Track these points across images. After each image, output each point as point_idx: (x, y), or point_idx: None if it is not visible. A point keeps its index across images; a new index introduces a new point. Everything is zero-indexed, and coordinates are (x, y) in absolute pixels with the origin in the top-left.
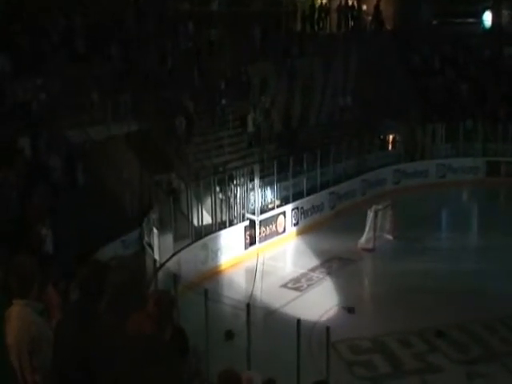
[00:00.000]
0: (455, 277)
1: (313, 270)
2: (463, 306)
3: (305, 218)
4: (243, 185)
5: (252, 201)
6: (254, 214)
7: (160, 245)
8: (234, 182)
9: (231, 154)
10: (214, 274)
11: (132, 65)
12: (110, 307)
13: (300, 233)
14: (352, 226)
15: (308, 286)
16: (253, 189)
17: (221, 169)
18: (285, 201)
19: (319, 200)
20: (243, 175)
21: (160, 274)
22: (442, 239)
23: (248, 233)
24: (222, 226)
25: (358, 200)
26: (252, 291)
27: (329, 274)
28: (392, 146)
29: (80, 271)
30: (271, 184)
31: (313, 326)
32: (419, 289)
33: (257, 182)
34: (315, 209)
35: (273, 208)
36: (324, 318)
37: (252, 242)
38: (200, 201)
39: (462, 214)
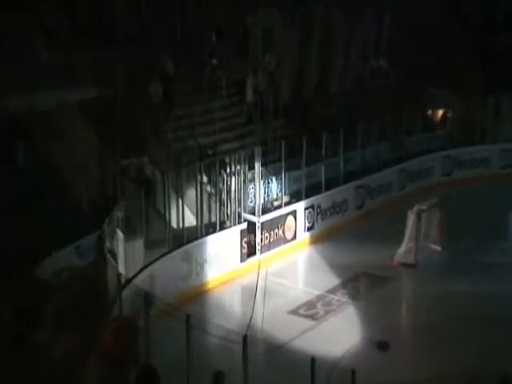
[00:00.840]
0: None
1: (332, 291)
2: None
3: (322, 220)
4: (240, 174)
5: (251, 196)
6: (253, 213)
7: (127, 253)
8: (228, 171)
9: (224, 131)
10: (200, 295)
11: (93, 12)
12: (55, 336)
13: (316, 240)
14: (386, 233)
15: (326, 312)
16: (253, 180)
17: (210, 152)
18: (296, 197)
19: (342, 196)
20: (240, 161)
21: (126, 294)
22: (506, 251)
23: (245, 239)
24: (211, 229)
25: (395, 197)
26: (251, 319)
27: (354, 297)
28: (441, 125)
29: (14, 291)
30: (277, 173)
31: (332, 367)
32: (476, 318)
33: (258, 170)
34: (337, 208)
35: (279, 206)
36: (347, 357)
37: (251, 251)
38: (181, 195)
39: None
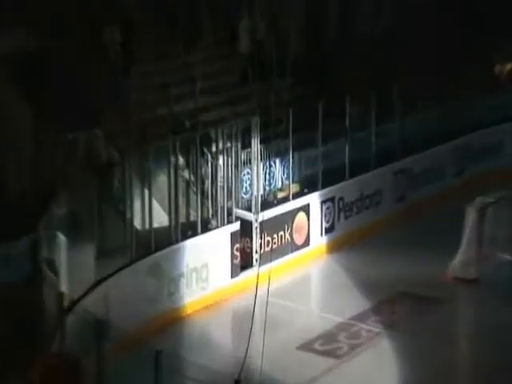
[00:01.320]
0: None
1: (360, 318)
2: None
3: (346, 218)
4: (230, 154)
5: (246, 185)
6: (249, 209)
7: (72, 265)
8: (213, 149)
9: (208, 94)
10: (174, 323)
11: None
12: None
13: (336, 247)
14: (436, 236)
15: (351, 348)
16: (248, 162)
17: (188, 123)
18: (309, 186)
19: (375, 185)
20: (231, 136)
21: (71, 320)
22: None
23: (238, 245)
24: (190, 231)
25: (449, 186)
26: (245, 356)
27: (391, 326)
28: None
29: None
30: (283, 153)
31: None
32: None
33: (256, 148)
34: (367, 201)
35: (286, 199)
36: None
37: (246, 262)
38: (148, 184)
39: None
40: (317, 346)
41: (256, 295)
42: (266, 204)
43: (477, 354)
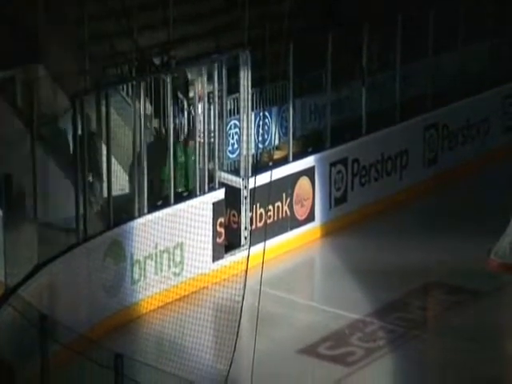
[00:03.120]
0: None
1: (379, 314)
2: None
3: (362, 185)
4: (212, 100)
5: (233, 141)
6: (237, 173)
7: (8, 244)
8: (191, 94)
9: (185, 22)
10: (140, 320)
11: None
12: None
13: (349, 223)
14: (476, 210)
15: (368, 352)
16: (237, 111)
17: (157, 59)
18: (314, 143)
19: (400, 143)
20: (213, 76)
21: (6, 315)
22: None
23: (222, 220)
24: (160, 201)
25: (495, 146)
26: (231, 362)
27: (419, 325)
28: None
29: None
30: (281, 101)
31: None
32: None
33: (245, 93)
34: (389, 164)
35: (284, 160)
36: None
37: (232, 241)
38: (107, 137)
39: None
40: (322, 349)
41: (245, 284)
42: (259, 166)
43: None
